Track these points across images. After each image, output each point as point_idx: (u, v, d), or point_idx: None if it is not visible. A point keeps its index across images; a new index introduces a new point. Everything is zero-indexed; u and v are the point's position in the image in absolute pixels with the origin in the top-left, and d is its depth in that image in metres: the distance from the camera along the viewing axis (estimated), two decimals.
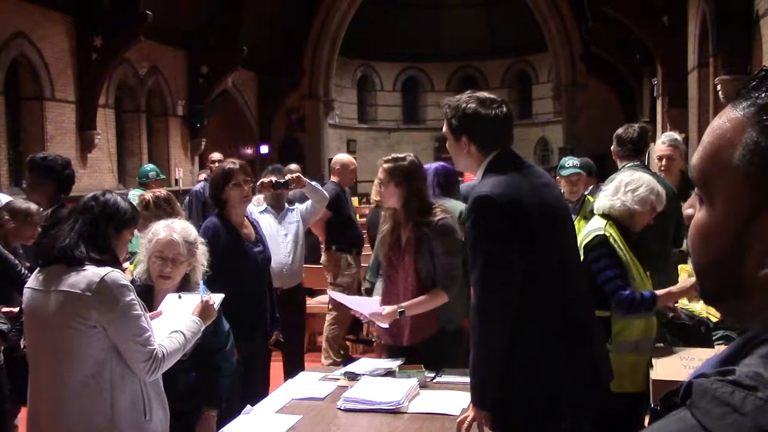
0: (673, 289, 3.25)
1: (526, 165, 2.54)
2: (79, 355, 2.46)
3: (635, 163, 4.35)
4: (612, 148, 4.46)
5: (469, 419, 2.41)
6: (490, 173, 2.43)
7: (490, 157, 2.46)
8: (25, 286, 2.65)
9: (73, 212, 2.67)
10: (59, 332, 2.47)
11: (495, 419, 2.45)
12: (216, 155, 8.85)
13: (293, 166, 7.93)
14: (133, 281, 3.03)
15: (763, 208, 0.69)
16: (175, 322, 2.71)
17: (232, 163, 4.02)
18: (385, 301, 3.41)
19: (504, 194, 2.33)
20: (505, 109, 2.50)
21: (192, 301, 2.84)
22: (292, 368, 4.65)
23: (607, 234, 3.14)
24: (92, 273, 2.45)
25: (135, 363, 2.49)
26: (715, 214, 0.73)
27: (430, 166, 4.27)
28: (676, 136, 4.77)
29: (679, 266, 4.04)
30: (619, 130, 4.41)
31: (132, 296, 2.49)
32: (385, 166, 3.42)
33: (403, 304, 3.27)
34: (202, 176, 9.15)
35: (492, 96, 2.54)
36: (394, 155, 3.49)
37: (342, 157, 6.31)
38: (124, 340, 2.47)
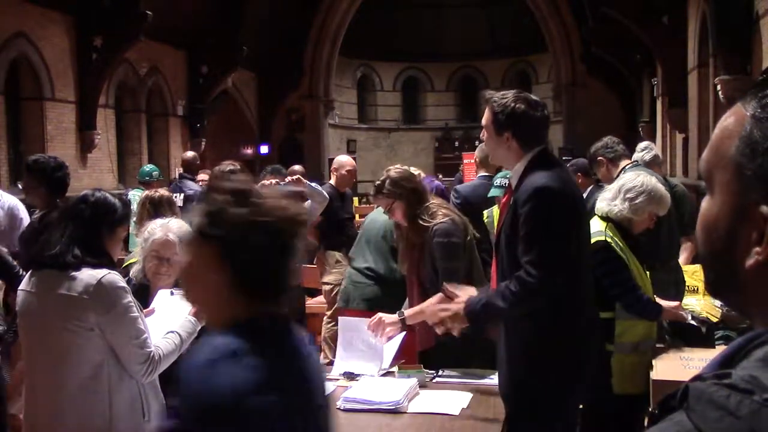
0: (669, 306, 3.29)
1: (562, 164, 2.76)
2: (77, 358, 2.44)
3: (634, 163, 4.36)
4: (600, 158, 4.48)
5: (451, 309, 2.62)
6: (536, 168, 2.58)
7: (533, 153, 2.61)
8: (19, 288, 2.62)
9: (63, 217, 2.61)
10: (56, 335, 2.45)
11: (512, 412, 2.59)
12: (189, 154, 8.50)
13: (297, 168, 7.93)
14: (128, 280, 3.03)
15: (752, 198, 0.70)
16: (169, 320, 2.70)
17: (233, 165, 4.01)
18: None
19: (561, 188, 2.53)
20: (546, 111, 2.70)
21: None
22: None
23: (608, 238, 3.14)
24: (89, 275, 2.44)
25: (132, 365, 2.48)
26: (714, 205, 0.75)
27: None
28: (651, 151, 4.77)
29: (684, 267, 4.01)
30: (600, 143, 4.51)
31: (129, 298, 2.48)
32: (380, 192, 3.49)
33: (405, 312, 3.19)
34: (201, 176, 9.09)
35: (536, 98, 2.73)
36: (377, 183, 3.54)
37: (340, 158, 6.39)
38: (122, 342, 2.45)
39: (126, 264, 3.74)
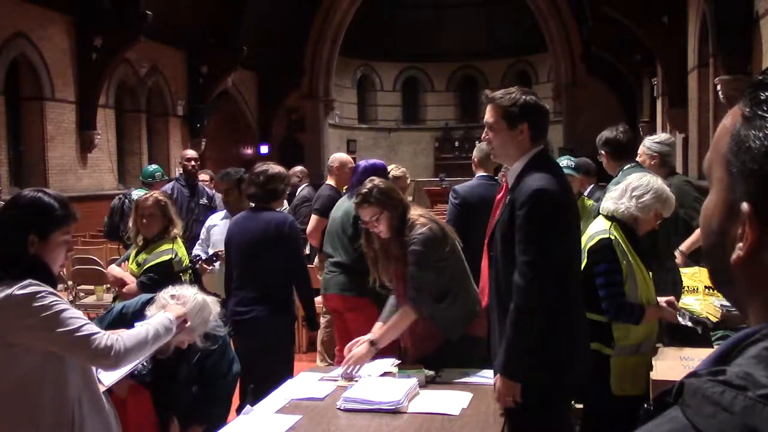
0: (653, 309, 3.28)
1: (558, 167, 2.80)
2: None
3: (632, 165, 4.35)
4: (603, 152, 4.42)
5: (503, 394, 2.60)
6: (535, 168, 2.65)
7: (535, 150, 2.69)
8: None
9: None
10: None
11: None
12: (191, 152, 8.37)
13: (298, 168, 7.99)
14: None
15: (737, 195, 0.72)
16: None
17: (266, 164, 4.35)
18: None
19: (558, 191, 2.60)
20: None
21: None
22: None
23: (612, 237, 3.12)
24: (4, 288, 2.17)
25: (88, 356, 2.18)
26: (711, 200, 0.77)
27: None
28: (655, 138, 4.65)
29: (683, 269, 3.99)
30: (607, 134, 4.42)
31: (45, 297, 2.17)
32: (366, 201, 3.32)
33: (374, 337, 3.20)
34: (202, 176, 9.07)
35: None
36: (361, 192, 3.37)
37: (340, 156, 6.18)
38: (62, 339, 2.17)
39: (154, 263, 3.95)
